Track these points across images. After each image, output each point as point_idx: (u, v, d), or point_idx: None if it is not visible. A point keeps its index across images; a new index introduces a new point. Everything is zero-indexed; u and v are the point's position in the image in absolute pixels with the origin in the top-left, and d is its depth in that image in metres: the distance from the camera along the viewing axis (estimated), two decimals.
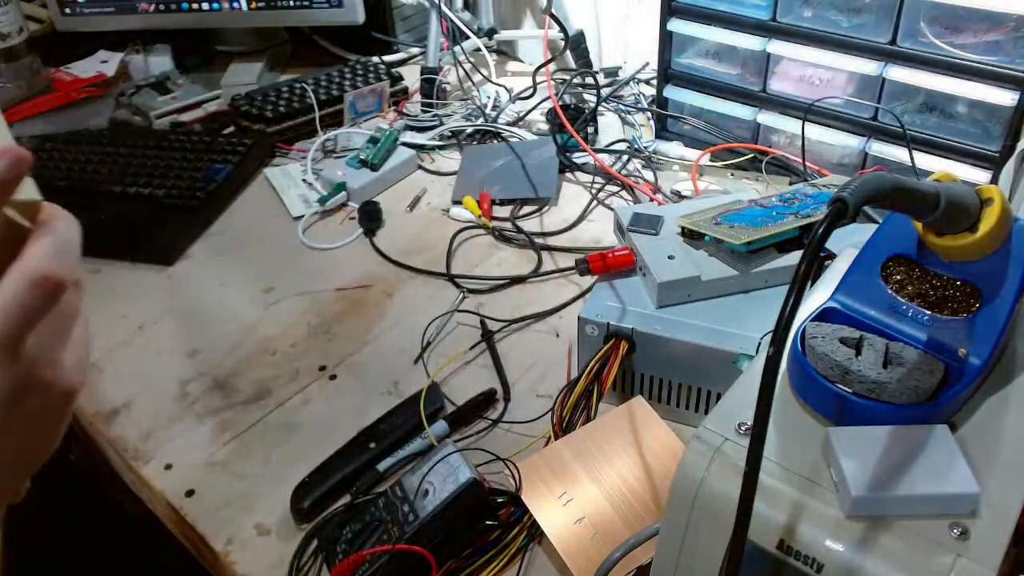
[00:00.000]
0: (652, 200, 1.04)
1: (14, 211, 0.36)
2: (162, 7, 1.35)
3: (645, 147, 1.14)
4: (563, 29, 1.24)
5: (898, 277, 0.50)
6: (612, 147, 1.15)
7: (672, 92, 1.11)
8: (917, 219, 0.47)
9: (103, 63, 1.38)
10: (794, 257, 0.74)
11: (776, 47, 0.98)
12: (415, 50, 1.48)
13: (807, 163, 1.01)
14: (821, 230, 0.36)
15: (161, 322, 0.91)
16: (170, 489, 0.72)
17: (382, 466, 0.71)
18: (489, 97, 1.30)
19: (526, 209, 1.07)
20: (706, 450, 0.45)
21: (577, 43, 1.34)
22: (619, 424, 0.68)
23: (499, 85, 1.32)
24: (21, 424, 0.38)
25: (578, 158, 1.13)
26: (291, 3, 1.34)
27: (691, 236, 0.77)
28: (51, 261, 0.36)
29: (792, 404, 0.48)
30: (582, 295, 0.91)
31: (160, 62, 1.38)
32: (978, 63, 0.85)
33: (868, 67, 0.92)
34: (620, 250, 0.78)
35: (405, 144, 1.18)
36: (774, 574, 0.43)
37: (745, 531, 0.38)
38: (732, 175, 1.07)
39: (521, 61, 1.51)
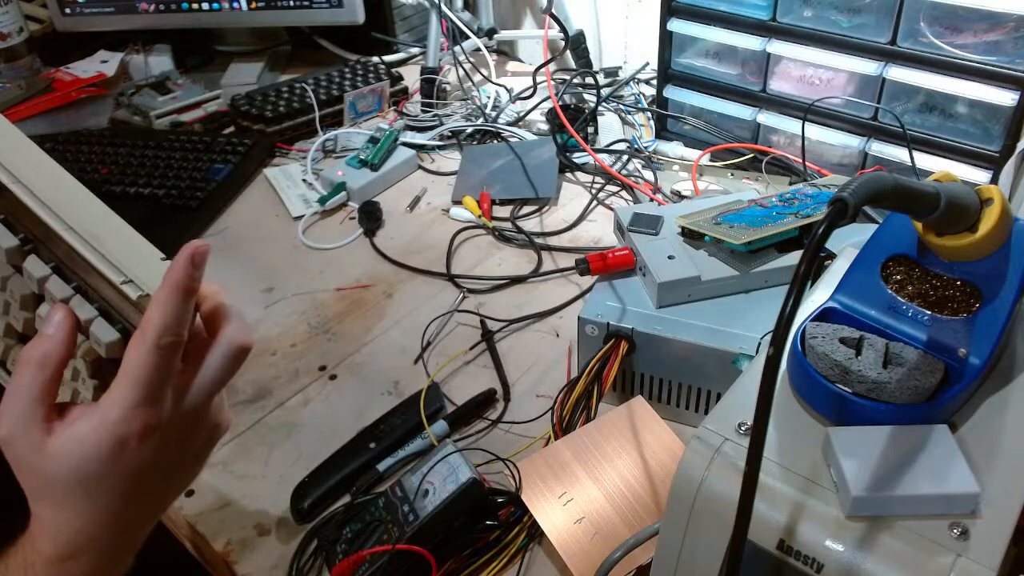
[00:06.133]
0: (652, 200, 1.04)
1: None
2: (162, 7, 1.35)
3: (645, 147, 1.14)
4: (563, 29, 1.24)
5: (898, 277, 0.50)
6: (612, 147, 1.15)
7: (672, 92, 1.11)
8: (917, 219, 0.47)
9: (103, 63, 1.38)
10: (794, 257, 0.74)
11: (776, 47, 0.98)
12: (415, 50, 1.49)
13: (807, 163, 1.01)
14: (821, 230, 0.36)
15: None
16: None
17: (382, 466, 0.71)
18: (489, 97, 1.30)
19: (526, 209, 1.07)
20: (706, 450, 0.45)
21: (577, 43, 1.34)
22: (619, 424, 0.68)
23: (499, 85, 1.32)
24: (204, 457, 0.51)
25: (578, 158, 1.13)
26: (291, 3, 1.34)
27: (691, 236, 0.77)
28: (245, 335, 0.49)
29: (792, 404, 0.48)
30: (582, 295, 0.91)
31: (160, 62, 1.38)
32: (978, 63, 0.85)
33: (868, 67, 0.92)
34: (620, 250, 0.78)
35: (405, 144, 1.18)
36: (774, 574, 0.43)
37: (745, 531, 0.38)
38: (732, 175, 1.07)
39: (521, 61, 1.51)
